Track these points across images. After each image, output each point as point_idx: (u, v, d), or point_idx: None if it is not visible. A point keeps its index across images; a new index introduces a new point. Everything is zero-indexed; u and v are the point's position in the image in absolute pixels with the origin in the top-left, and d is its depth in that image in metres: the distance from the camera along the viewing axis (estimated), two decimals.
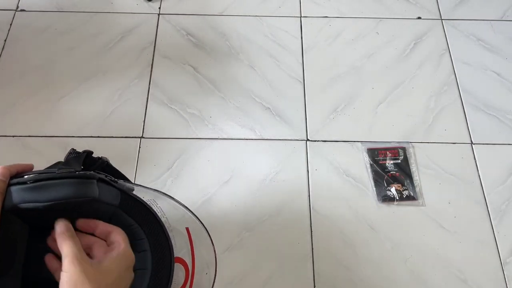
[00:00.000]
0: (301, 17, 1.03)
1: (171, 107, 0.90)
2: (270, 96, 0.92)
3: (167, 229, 0.54)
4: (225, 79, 0.93)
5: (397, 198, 0.80)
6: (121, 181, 0.56)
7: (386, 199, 0.80)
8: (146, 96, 0.91)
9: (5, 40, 0.97)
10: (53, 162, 0.84)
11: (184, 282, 0.61)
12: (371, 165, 0.84)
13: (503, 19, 1.03)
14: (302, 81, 0.94)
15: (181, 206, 0.63)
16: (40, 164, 0.85)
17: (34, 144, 0.84)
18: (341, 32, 1.01)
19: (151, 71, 0.94)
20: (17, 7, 1.02)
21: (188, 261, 0.63)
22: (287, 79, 0.94)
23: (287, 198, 0.81)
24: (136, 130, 0.87)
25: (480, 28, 1.02)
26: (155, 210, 0.55)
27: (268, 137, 0.87)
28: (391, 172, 0.83)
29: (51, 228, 0.52)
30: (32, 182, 0.47)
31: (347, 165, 0.84)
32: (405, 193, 0.81)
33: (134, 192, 0.56)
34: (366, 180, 0.83)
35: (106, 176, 0.53)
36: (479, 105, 0.92)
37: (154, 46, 0.97)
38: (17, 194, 0.47)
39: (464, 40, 1.00)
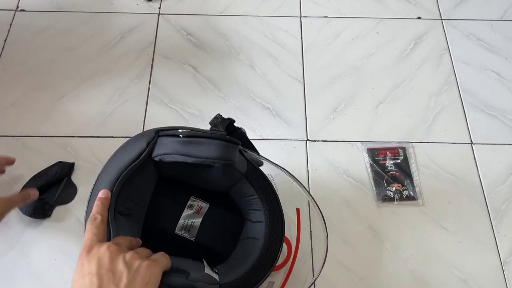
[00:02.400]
0: (301, 17, 1.03)
1: (171, 107, 0.90)
2: (270, 96, 0.92)
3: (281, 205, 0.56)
4: (225, 79, 0.93)
5: (397, 198, 0.80)
6: (249, 152, 0.59)
7: (386, 199, 0.80)
8: (146, 96, 0.91)
9: (5, 40, 0.97)
10: (53, 162, 0.85)
11: (286, 258, 0.65)
12: (371, 165, 0.84)
13: (503, 19, 1.03)
14: (302, 81, 0.94)
15: (297, 184, 0.63)
16: (40, 164, 0.85)
17: (34, 144, 0.84)
18: (341, 32, 1.01)
19: (151, 71, 0.94)
20: (17, 7, 1.02)
21: (293, 240, 0.66)
22: (287, 79, 0.94)
23: (287, 198, 0.81)
24: (136, 130, 0.87)
25: (480, 28, 1.02)
26: (273, 185, 0.57)
27: (268, 137, 0.87)
28: (391, 172, 0.83)
29: (176, 182, 0.57)
30: (186, 137, 0.48)
31: (347, 165, 0.84)
32: (405, 193, 0.81)
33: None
34: (366, 180, 0.83)
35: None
36: (479, 105, 0.92)
37: (154, 46, 0.97)
38: (171, 145, 0.49)
39: (464, 40, 1.00)
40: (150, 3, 1.04)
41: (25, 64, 0.94)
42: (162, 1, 1.04)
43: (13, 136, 0.85)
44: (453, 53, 0.98)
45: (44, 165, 0.80)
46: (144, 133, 0.54)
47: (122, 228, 0.49)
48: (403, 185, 0.82)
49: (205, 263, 0.50)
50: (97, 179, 0.52)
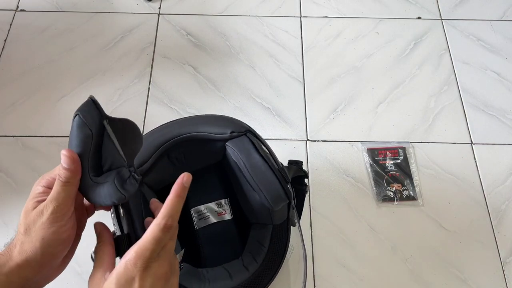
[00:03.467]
0: (301, 17, 1.03)
1: (171, 107, 0.90)
2: (270, 96, 0.92)
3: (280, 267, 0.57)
4: (225, 79, 0.93)
5: (397, 198, 0.80)
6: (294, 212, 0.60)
7: (386, 199, 0.80)
8: (146, 96, 0.91)
9: (5, 40, 0.97)
10: (53, 162, 0.84)
11: None
12: (371, 165, 0.84)
13: (503, 19, 1.03)
14: (302, 81, 0.94)
15: (303, 258, 0.64)
16: (40, 164, 0.85)
17: (34, 144, 0.84)
18: (341, 32, 1.01)
19: (151, 71, 0.94)
20: (17, 7, 1.02)
21: None
22: (287, 79, 0.94)
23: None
24: None
25: (480, 28, 1.02)
26: (289, 247, 0.59)
27: (268, 137, 0.87)
28: (391, 172, 0.83)
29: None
30: (259, 155, 0.52)
31: (347, 165, 0.84)
32: (405, 193, 0.81)
33: None
34: (366, 180, 0.83)
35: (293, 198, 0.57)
36: (479, 105, 0.92)
37: (154, 46, 0.97)
38: (243, 151, 0.52)
39: (464, 40, 1.00)
40: (150, 3, 1.04)
41: (25, 64, 0.94)
42: (162, 1, 1.04)
43: (13, 136, 0.85)
44: (453, 53, 0.98)
45: (44, 165, 0.80)
46: (237, 122, 0.56)
47: (158, 170, 0.51)
48: (403, 185, 0.82)
49: (182, 251, 0.50)
50: (169, 122, 0.55)
